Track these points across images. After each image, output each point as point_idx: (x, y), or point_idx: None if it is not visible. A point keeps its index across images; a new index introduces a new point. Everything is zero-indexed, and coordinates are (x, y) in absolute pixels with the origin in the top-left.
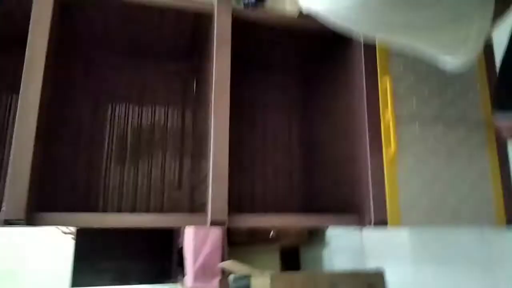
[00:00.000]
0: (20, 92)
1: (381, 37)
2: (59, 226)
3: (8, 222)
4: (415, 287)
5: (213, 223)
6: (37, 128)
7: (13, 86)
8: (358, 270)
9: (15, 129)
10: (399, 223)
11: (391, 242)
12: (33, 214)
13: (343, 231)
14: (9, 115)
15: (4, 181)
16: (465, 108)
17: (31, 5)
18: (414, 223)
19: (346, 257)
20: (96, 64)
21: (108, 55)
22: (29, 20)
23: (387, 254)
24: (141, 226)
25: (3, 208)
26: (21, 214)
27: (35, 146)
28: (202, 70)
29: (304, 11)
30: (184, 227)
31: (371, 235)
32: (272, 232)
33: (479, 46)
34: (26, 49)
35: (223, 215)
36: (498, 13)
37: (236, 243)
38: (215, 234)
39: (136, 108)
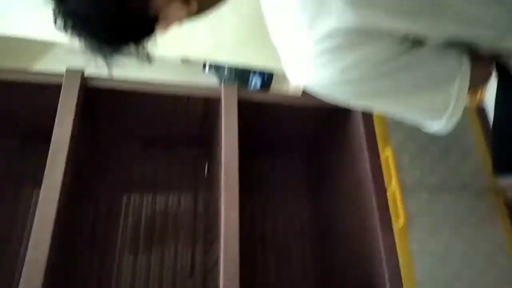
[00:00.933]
0: (41, 189)
1: (364, 104)
2: None
3: None
4: None
5: None
6: (54, 224)
7: (37, 181)
8: None
9: (34, 222)
10: None
11: None
12: None
13: None
14: (29, 209)
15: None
16: (468, 176)
17: (57, 103)
18: None
19: None
20: (113, 155)
21: (125, 146)
22: (54, 117)
23: None
24: None
25: None
26: None
27: (52, 243)
28: (213, 154)
29: (294, 87)
30: None
31: None
32: None
33: (459, 110)
34: (51, 141)
35: None
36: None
37: None
38: None
39: (150, 195)
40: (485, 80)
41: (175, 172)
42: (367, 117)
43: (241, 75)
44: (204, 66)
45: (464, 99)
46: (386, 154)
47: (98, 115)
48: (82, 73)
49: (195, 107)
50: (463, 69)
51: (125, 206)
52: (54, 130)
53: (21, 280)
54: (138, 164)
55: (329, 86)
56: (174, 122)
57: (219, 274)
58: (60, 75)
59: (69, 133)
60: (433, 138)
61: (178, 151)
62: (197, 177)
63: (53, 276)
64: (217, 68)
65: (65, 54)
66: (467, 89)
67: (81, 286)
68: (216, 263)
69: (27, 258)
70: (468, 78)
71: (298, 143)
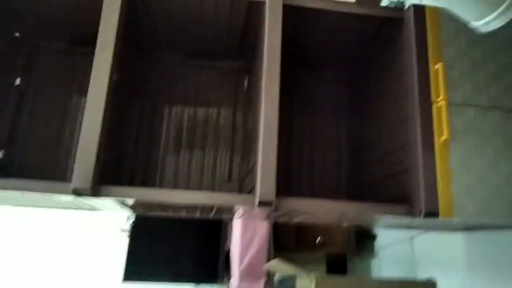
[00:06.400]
0: (91, 77)
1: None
2: (117, 225)
3: (75, 192)
4: None
5: (261, 203)
6: (104, 110)
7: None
8: (408, 278)
9: (85, 109)
10: (451, 214)
11: (444, 250)
12: (98, 186)
13: (393, 240)
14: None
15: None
16: None
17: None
18: (468, 216)
19: (396, 267)
20: (156, 63)
21: (167, 55)
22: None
23: (440, 262)
24: (194, 202)
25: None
26: (88, 185)
27: (102, 127)
28: (253, 66)
29: None
30: (232, 230)
31: (422, 243)
32: (319, 238)
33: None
34: (97, 44)
35: (271, 196)
36: None
37: (283, 248)
38: (261, 235)
39: (192, 107)
40: None
41: (215, 84)
42: (420, 28)
43: None
44: None
45: None
46: (436, 68)
47: (142, 22)
48: None
49: (238, 12)
50: None
51: (168, 114)
52: (99, 29)
53: (75, 162)
54: (179, 74)
55: None
56: (216, 31)
57: (257, 174)
58: None
59: (115, 32)
60: (488, 55)
61: (219, 63)
62: (237, 90)
63: (105, 161)
64: None
65: None
66: None
67: (129, 179)
68: (254, 166)
69: (78, 150)
70: None
71: (342, 60)
